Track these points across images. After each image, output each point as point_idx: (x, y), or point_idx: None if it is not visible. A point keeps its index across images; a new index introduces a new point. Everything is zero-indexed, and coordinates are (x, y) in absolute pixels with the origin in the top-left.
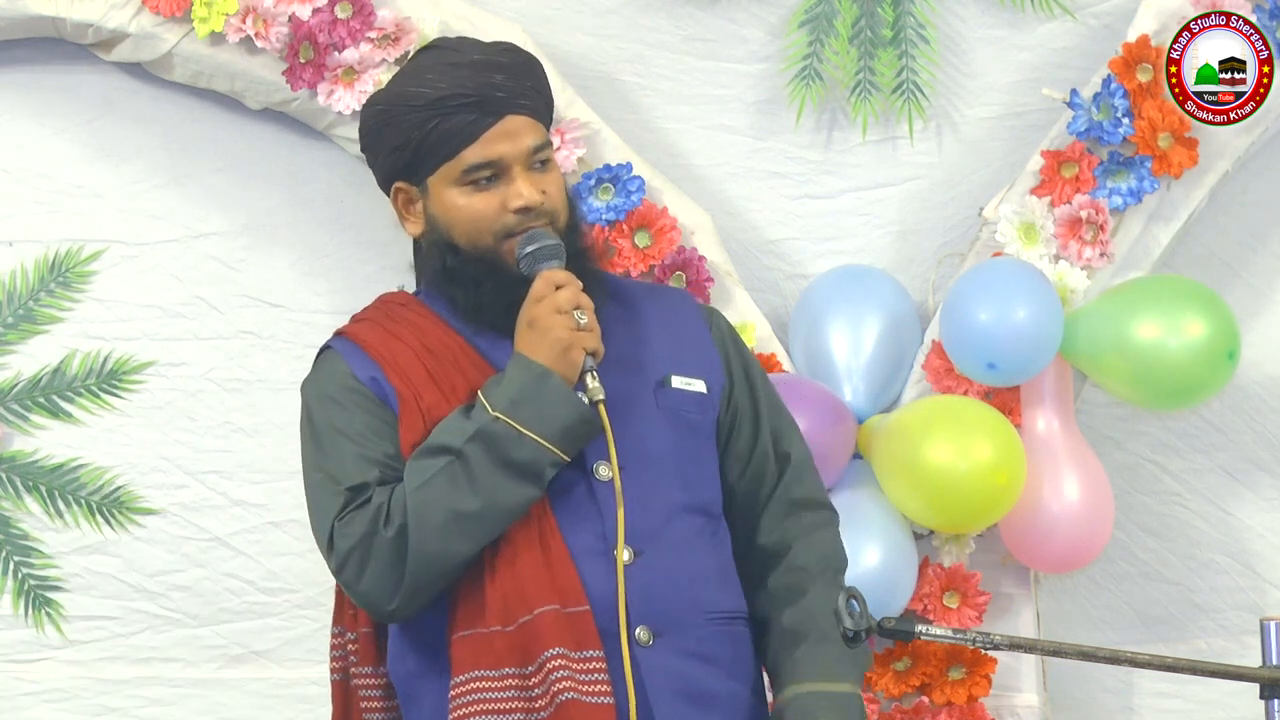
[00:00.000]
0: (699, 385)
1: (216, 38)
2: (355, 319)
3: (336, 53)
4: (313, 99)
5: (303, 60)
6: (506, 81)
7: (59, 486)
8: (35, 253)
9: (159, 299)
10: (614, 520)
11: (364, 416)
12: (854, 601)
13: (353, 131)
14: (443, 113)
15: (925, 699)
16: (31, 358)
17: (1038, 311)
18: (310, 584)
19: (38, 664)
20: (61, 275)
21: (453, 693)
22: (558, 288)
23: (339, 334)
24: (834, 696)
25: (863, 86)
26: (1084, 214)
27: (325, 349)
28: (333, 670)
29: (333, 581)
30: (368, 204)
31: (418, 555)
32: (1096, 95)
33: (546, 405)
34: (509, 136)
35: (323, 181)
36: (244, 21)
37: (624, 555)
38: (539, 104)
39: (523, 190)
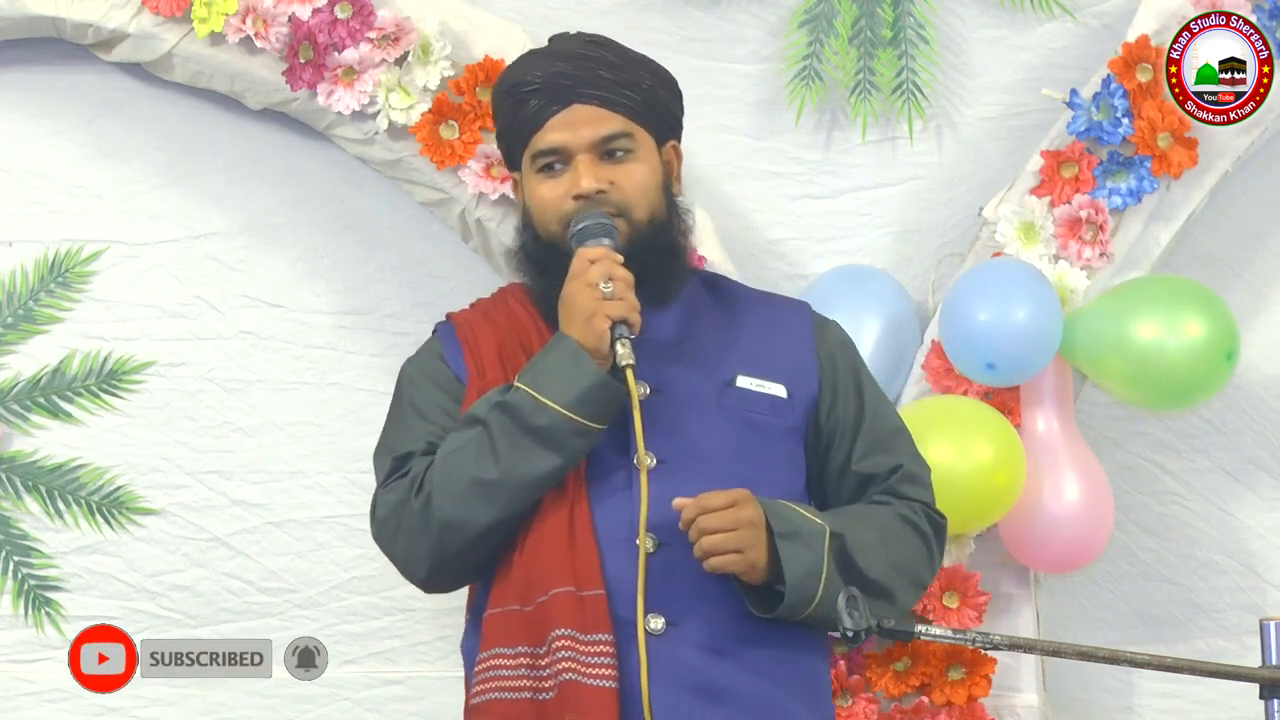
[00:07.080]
0: (776, 389)
1: (216, 38)
2: (471, 305)
3: (336, 53)
4: (312, 99)
5: (302, 60)
6: (575, 70)
7: (59, 486)
8: (35, 253)
9: (159, 299)
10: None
11: (438, 394)
12: (854, 601)
13: (352, 131)
14: (517, 99)
15: (925, 699)
16: (31, 358)
17: (1037, 311)
18: (310, 584)
19: (38, 664)
20: (61, 275)
21: (476, 668)
22: (592, 263)
23: (446, 317)
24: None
25: (862, 86)
26: (1084, 214)
27: (433, 331)
28: None
29: (332, 581)
30: (368, 204)
31: (440, 522)
32: (1096, 95)
33: (563, 372)
34: (571, 125)
35: (323, 181)
36: (244, 21)
37: (646, 544)
38: (622, 96)
39: (581, 178)
